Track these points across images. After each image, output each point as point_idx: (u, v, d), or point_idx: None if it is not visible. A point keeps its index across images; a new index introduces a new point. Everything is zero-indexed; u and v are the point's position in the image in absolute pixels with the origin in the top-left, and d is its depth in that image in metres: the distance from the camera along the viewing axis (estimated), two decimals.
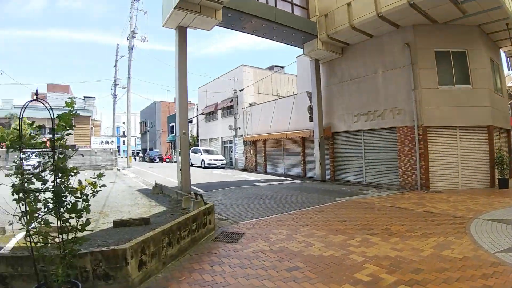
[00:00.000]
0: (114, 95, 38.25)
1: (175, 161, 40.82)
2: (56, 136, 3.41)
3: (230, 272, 4.72)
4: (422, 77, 13.43)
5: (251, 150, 26.95)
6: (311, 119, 18.47)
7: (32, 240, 3.18)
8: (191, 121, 40.45)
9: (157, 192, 11.65)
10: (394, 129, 14.46)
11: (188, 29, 12.56)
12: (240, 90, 28.49)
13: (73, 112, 3.39)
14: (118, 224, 6.68)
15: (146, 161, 49.07)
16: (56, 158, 3.25)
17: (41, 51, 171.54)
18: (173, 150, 48.68)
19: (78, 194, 3.27)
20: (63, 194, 3.18)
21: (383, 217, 8.16)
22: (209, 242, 6.26)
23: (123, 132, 62.07)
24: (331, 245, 5.88)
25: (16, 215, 3.17)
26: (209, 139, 36.37)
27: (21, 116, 3.35)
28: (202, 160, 28.44)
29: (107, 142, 33.51)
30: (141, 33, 33.77)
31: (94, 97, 43.25)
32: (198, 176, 17.79)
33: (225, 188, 14.58)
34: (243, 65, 29.94)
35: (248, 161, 27.63)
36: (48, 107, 3.21)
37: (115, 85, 38.05)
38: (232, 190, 13.80)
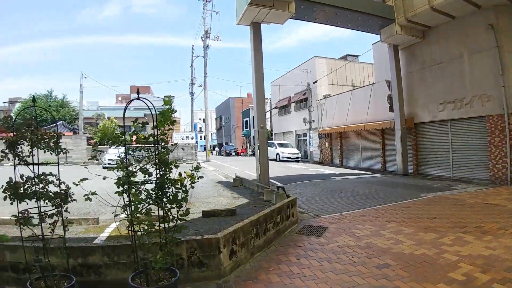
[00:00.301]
0: (192, 93, 40.07)
1: (250, 155, 41.91)
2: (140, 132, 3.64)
3: (318, 266, 4.69)
4: (510, 61, 12.14)
5: (327, 143, 26.49)
6: (391, 109, 17.52)
7: (133, 229, 3.41)
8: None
9: (237, 184, 11.97)
10: (484, 118, 13.19)
11: (261, 24, 12.67)
12: (314, 82, 28.06)
13: (172, 109, 3.57)
14: (206, 214, 6.99)
15: (222, 155, 50.75)
16: (159, 152, 3.45)
17: (121, 56, 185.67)
18: (248, 144, 49.68)
19: (179, 186, 3.46)
20: (166, 186, 3.38)
21: (475, 214, 7.58)
22: (293, 235, 6.29)
23: (200, 128, 64.74)
24: (422, 243, 5.58)
25: (118, 206, 3.42)
26: (283, 132, 36.47)
27: (124, 115, 3.60)
28: (277, 154, 28.63)
29: (187, 137, 35.28)
30: (214, 33, 34.75)
31: (173, 96, 45.58)
32: (274, 169, 17.97)
33: (302, 181, 14.51)
34: (315, 56, 29.34)
35: (324, 154, 27.22)
36: (150, 106, 3.41)
37: (192, 84, 39.81)
38: (310, 184, 13.70)
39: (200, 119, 68.38)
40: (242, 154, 47.65)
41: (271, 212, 5.86)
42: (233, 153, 48.67)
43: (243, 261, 4.80)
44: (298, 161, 28.24)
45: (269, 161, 12.17)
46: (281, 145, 30.55)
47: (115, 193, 3.40)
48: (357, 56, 31.42)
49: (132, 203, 3.30)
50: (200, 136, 58.08)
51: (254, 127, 41.74)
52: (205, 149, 35.20)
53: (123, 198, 3.35)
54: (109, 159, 23.40)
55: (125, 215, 3.37)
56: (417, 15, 14.48)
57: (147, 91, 68.78)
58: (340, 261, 4.83)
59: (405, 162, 16.78)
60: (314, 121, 28.23)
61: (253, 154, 42.06)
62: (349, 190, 11.65)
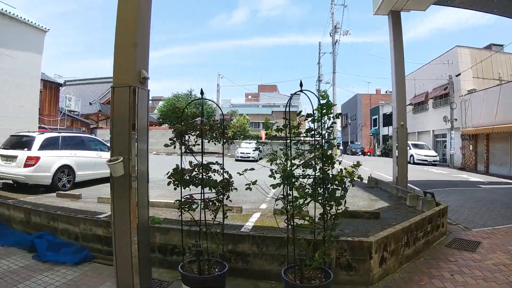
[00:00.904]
0: (318, 91, 39.83)
1: (378, 155, 39.89)
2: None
3: (474, 284, 4.18)
4: None
5: (471, 146, 23.48)
6: None
7: (293, 224, 3.34)
8: None
9: (372, 185, 11.34)
10: None
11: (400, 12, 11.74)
12: (457, 75, 25.07)
13: (331, 103, 3.42)
14: (349, 214, 6.72)
15: (347, 154, 49.31)
16: (321, 147, 3.35)
17: (249, 57, 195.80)
18: (376, 144, 47.39)
19: (338, 183, 3.28)
20: (327, 182, 3.24)
21: None
22: (443, 248, 5.69)
23: None
24: None
25: (278, 198, 3.39)
26: (418, 132, 33.26)
27: (288, 108, 3.56)
28: (411, 155, 26.30)
29: (312, 135, 35.33)
30: (342, 27, 33.57)
31: (300, 94, 46.01)
32: (409, 172, 16.73)
33: (444, 188, 13.11)
34: (457, 46, 26.22)
35: (466, 159, 24.19)
36: (312, 98, 3.36)
37: (319, 81, 39.57)
38: (453, 191, 12.31)
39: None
40: (368, 153, 45.66)
41: (422, 220, 5.32)
42: (360, 152, 46.86)
43: (391, 270, 4.43)
44: (435, 165, 25.61)
45: None
46: (416, 146, 28.05)
47: (271, 185, 3.39)
48: (502, 45, 27.03)
49: (293, 197, 3.24)
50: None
51: (383, 125, 39.29)
52: None
53: (284, 191, 3.31)
54: (241, 152, 24.87)
55: (284, 208, 3.34)
56: None
57: (273, 89, 71.17)
58: (496, 281, 4.28)
59: None
60: (456, 119, 25.29)
61: (382, 155, 40.04)
62: (501, 202, 10.16)
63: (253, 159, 24.81)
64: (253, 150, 25.30)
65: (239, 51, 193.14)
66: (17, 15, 16.86)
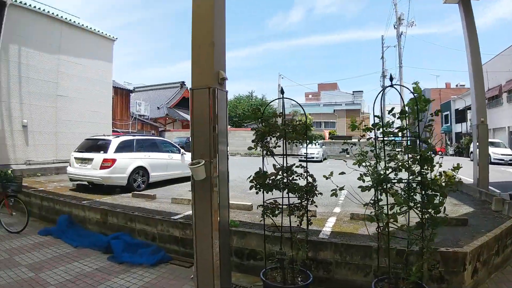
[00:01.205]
0: (383, 87, 38.27)
1: (451, 154, 37.42)
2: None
3: None
4: None
5: None
6: None
7: (388, 232, 3.11)
8: (469, 109, 35.76)
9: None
10: None
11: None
12: None
13: (425, 98, 3.10)
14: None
15: None
16: (419, 147, 3.09)
17: (307, 56, 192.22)
18: (448, 142, 44.58)
19: (436, 187, 2.98)
20: (426, 187, 2.95)
21: None
22: None
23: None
24: None
25: (369, 204, 3.19)
26: (492, 129, 30.43)
27: (379, 102, 3.34)
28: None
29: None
30: (405, 18, 31.74)
31: (362, 91, 44.70)
32: None
33: None
34: None
35: None
36: (400, 91, 3.09)
37: (383, 76, 37.89)
38: None
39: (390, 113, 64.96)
40: (440, 153, 43.07)
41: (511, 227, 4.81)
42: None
43: (481, 281, 4.03)
44: (511, 164, 23.42)
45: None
46: (492, 144, 25.65)
47: (358, 187, 3.19)
48: None
49: (389, 204, 3.00)
50: None
51: (455, 122, 36.75)
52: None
53: (376, 196, 3.08)
54: (304, 153, 24.40)
55: (375, 215, 3.10)
56: None
57: (334, 87, 69.59)
58: None
59: None
60: None
61: (455, 154, 37.31)
62: None
63: (317, 159, 24.37)
64: (318, 150, 24.92)
65: (296, 51, 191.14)
66: (82, 25, 17.95)
